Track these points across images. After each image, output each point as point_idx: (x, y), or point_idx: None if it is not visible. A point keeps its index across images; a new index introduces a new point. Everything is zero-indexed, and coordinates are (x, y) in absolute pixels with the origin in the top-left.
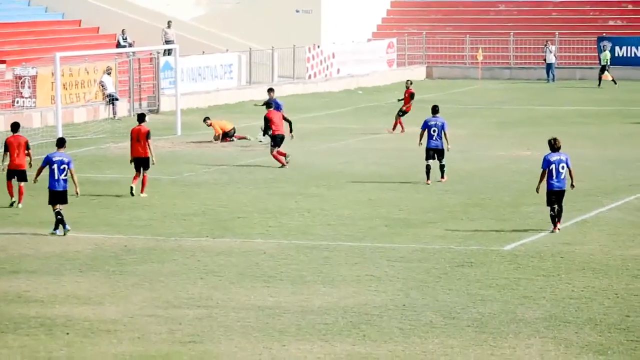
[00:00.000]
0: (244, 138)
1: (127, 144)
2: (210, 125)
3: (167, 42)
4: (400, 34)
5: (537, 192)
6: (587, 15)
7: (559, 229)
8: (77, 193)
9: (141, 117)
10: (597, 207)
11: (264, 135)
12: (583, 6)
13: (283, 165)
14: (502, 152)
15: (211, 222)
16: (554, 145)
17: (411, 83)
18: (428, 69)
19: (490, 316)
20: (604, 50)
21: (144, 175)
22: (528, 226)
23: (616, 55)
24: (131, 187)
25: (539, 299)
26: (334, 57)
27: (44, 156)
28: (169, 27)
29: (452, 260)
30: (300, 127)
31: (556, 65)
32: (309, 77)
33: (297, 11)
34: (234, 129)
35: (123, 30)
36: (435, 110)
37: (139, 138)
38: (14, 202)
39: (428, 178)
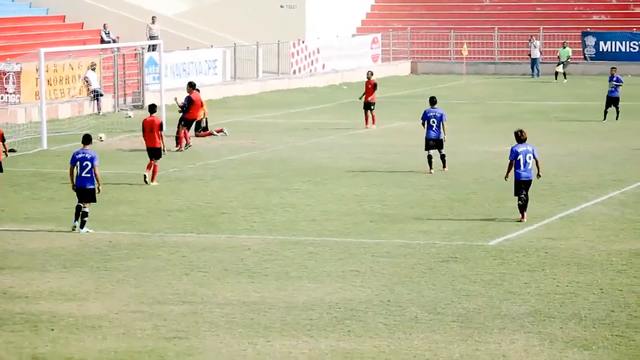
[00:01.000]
0: (222, 131)
1: (112, 139)
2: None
3: (152, 37)
4: (385, 29)
5: (506, 180)
6: (571, 10)
7: (525, 219)
8: (99, 190)
9: (152, 108)
10: (581, 202)
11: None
12: (567, 1)
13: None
14: (487, 147)
15: (196, 218)
16: (520, 137)
17: (372, 74)
18: (413, 64)
19: (475, 311)
20: (565, 47)
21: (154, 165)
22: (513, 221)
23: (600, 50)
24: (144, 176)
25: (523, 294)
26: (318, 52)
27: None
28: (153, 22)
29: (437, 255)
30: (284, 122)
31: (541, 61)
32: (294, 72)
33: (282, 6)
34: (205, 119)
35: (105, 25)
36: (433, 101)
37: (152, 129)
38: None
39: (431, 167)
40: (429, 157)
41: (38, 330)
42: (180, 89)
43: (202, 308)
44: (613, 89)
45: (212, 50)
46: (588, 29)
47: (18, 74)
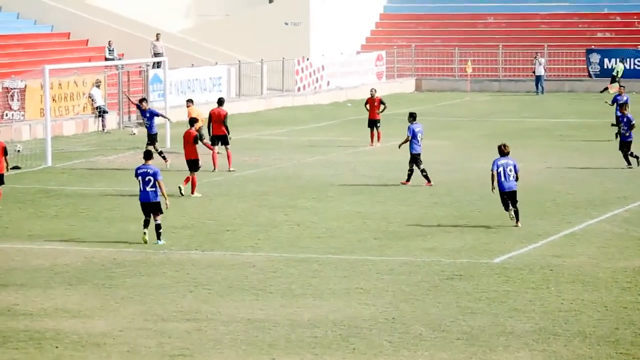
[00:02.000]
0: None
1: (115, 156)
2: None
3: (156, 54)
4: (389, 46)
5: (493, 192)
6: (575, 28)
7: (520, 224)
8: (166, 205)
9: (191, 122)
10: (586, 220)
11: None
12: (571, 18)
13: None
14: (490, 164)
15: (200, 235)
16: (503, 151)
17: (375, 91)
18: (417, 82)
19: (479, 329)
20: (618, 63)
21: (193, 177)
22: (517, 238)
23: (605, 67)
24: (179, 188)
25: (528, 312)
26: (323, 69)
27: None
28: (157, 39)
29: (442, 272)
30: (289, 139)
31: (545, 78)
32: (298, 89)
33: (286, 24)
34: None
35: (110, 42)
36: (414, 116)
37: (189, 140)
38: None
39: (408, 180)
40: (411, 172)
41: (42, 348)
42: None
43: (206, 325)
44: (625, 133)
45: (217, 67)
46: (592, 46)
47: (23, 90)
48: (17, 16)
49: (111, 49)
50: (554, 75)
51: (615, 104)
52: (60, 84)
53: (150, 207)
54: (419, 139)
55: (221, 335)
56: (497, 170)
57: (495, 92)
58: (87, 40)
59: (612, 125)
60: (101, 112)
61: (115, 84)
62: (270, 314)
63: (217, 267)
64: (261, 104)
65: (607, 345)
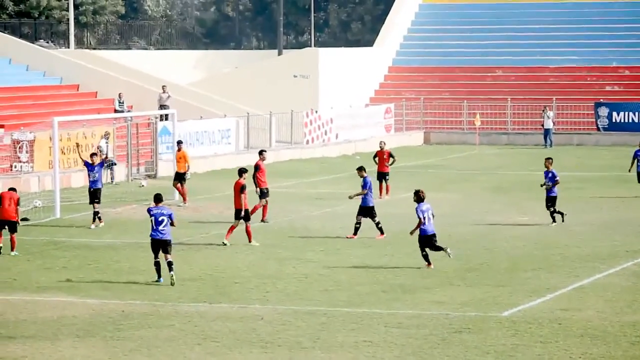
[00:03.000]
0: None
1: (124, 208)
2: (180, 151)
3: (162, 106)
4: (398, 99)
5: (411, 235)
6: (584, 81)
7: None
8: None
9: (240, 172)
10: (594, 273)
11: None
12: (580, 72)
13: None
14: (499, 217)
15: (208, 287)
16: (420, 196)
17: (385, 144)
18: (426, 134)
19: None
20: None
21: (247, 226)
22: (525, 292)
23: (613, 121)
24: (223, 243)
25: None
26: (331, 122)
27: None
28: (163, 91)
29: (450, 326)
30: (297, 192)
31: (554, 131)
32: (307, 142)
33: (295, 76)
34: (187, 172)
35: (120, 94)
36: (363, 169)
37: (236, 190)
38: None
39: (355, 234)
40: (359, 225)
41: None
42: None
43: None
44: (549, 189)
45: (226, 119)
46: (601, 100)
47: (32, 142)
48: (27, 68)
49: (121, 101)
50: (563, 128)
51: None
52: (69, 136)
53: (162, 244)
54: (370, 191)
55: None
56: (423, 215)
57: (504, 145)
58: (96, 92)
59: (542, 185)
60: (110, 164)
61: (124, 136)
62: None
63: (225, 320)
64: (270, 156)
65: None
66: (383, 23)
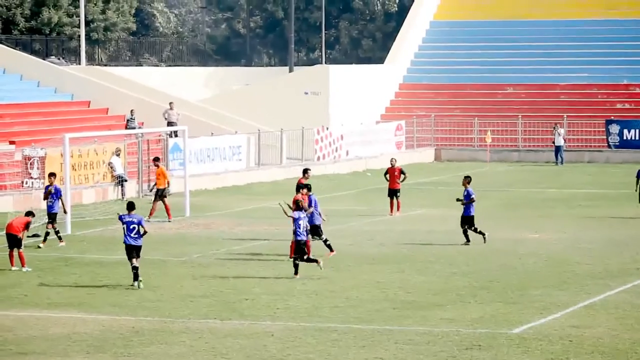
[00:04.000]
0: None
1: None
2: (158, 168)
3: (170, 123)
4: (409, 116)
5: (458, 201)
6: (595, 99)
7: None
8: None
9: (298, 188)
10: (605, 290)
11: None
12: (591, 89)
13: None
14: (509, 234)
15: (219, 303)
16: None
17: (396, 161)
18: (437, 152)
19: None
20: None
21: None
22: (536, 309)
23: (624, 138)
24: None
25: None
26: (342, 139)
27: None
28: (171, 107)
29: (461, 343)
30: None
31: (565, 148)
32: (318, 158)
33: (306, 93)
34: (167, 188)
35: (132, 110)
36: (309, 188)
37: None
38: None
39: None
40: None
41: None
42: (204, 175)
43: None
44: (465, 205)
45: (237, 136)
46: (612, 117)
47: (43, 159)
48: (38, 84)
49: (132, 118)
50: (574, 145)
51: None
52: (80, 153)
53: (135, 249)
54: (317, 211)
55: None
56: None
57: (515, 162)
58: (107, 108)
59: (457, 200)
60: (121, 181)
61: (135, 152)
62: None
63: (235, 336)
64: (281, 173)
65: None
66: (394, 40)
